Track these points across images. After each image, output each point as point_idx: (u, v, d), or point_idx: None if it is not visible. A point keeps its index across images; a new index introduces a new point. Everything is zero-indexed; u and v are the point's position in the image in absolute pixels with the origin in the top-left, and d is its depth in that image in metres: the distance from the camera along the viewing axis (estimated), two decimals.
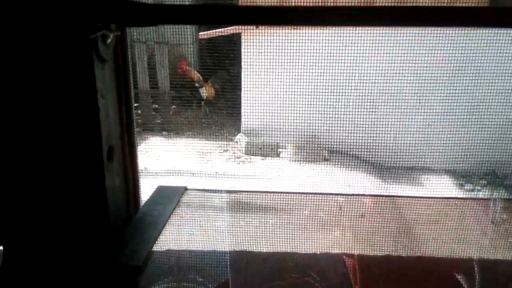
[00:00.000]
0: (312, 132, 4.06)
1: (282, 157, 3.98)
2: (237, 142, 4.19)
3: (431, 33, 3.66)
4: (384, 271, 1.09)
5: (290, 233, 1.23)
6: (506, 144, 4.01)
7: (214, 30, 4.67)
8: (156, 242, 1.00)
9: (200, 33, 4.84)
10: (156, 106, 4.72)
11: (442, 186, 3.93)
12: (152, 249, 0.98)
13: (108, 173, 0.95)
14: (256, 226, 1.30)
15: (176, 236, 1.13)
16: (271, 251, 1.13)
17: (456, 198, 2.56)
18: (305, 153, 3.93)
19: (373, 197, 1.71)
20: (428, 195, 3.26)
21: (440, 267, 1.09)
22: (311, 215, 1.32)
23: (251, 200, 1.47)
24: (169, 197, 1.24)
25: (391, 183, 3.88)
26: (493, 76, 3.81)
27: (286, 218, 1.29)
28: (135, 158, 1.09)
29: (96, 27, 0.87)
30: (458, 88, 3.87)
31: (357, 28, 3.70)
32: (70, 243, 0.95)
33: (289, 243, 1.16)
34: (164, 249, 1.05)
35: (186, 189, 1.28)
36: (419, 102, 3.87)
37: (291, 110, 4.09)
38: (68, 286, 0.93)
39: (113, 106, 0.98)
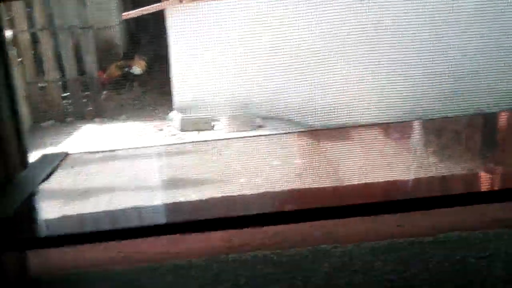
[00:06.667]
0: (244, 101, 4.11)
1: (217, 130, 4.02)
2: (171, 120, 4.19)
3: None
4: None
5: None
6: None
7: (137, 10, 4.58)
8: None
9: (123, 14, 4.74)
10: (88, 93, 4.62)
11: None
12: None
13: None
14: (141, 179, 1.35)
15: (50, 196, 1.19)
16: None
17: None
18: (239, 123, 3.98)
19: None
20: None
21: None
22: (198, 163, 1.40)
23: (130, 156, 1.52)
24: (49, 162, 1.31)
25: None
26: None
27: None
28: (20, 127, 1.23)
29: None
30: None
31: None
32: None
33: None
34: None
35: (67, 154, 1.34)
36: (345, 61, 3.96)
37: (222, 82, 4.11)
38: None
39: None
